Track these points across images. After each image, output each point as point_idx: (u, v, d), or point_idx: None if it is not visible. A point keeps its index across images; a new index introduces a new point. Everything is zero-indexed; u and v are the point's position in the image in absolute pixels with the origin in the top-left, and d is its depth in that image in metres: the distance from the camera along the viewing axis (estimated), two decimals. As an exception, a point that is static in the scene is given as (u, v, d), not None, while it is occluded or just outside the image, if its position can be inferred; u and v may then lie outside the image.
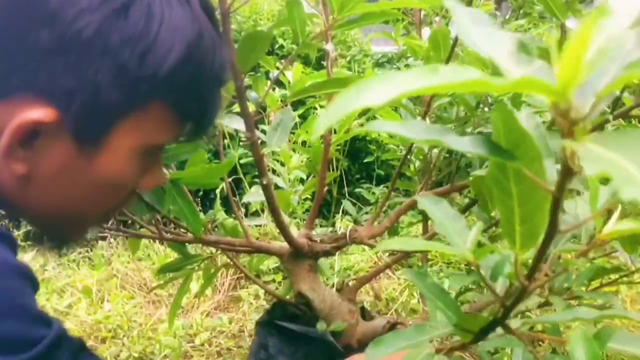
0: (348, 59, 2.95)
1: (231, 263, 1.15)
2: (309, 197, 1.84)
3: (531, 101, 0.86)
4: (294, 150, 1.49)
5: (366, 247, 1.97)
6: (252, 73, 0.94)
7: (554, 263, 0.53)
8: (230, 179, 1.17)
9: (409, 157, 1.14)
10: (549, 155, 0.36)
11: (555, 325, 0.69)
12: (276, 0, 3.15)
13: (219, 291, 1.91)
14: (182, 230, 1.02)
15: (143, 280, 2.01)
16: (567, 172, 0.30)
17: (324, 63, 1.02)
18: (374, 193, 2.24)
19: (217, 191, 1.75)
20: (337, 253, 1.19)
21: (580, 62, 0.25)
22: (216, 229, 1.12)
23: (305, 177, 1.53)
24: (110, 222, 0.98)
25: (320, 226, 2.15)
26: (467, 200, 1.11)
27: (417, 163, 1.26)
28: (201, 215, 0.94)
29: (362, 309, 1.18)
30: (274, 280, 1.94)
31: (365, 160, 2.64)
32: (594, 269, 0.73)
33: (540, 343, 1.37)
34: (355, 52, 3.01)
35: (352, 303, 1.11)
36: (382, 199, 1.16)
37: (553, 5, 0.85)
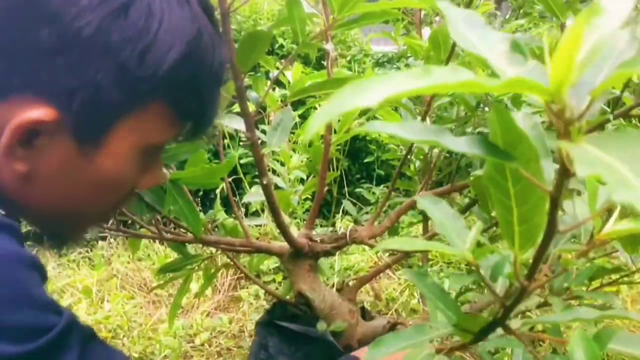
0: (348, 58, 2.95)
1: (231, 263, 1.15)
2: (309, 197, 1.84)
3: (531, 101, 0.86)
4: (294, 150, 1.49)
5: (366, 247, 1.97)
6: (252, 73, 0.94)
7: (553, 263, 0.52)
8: (230, 179, 1.17)
9: (409, 157, 1.14)
10: (546, 155, 0.35)
11: (555, 325, 0.69)
12: (276, 0, 3.15)
13: (219, 291, 1.91)
14: (182, 230, 1.02)
15: (143, 280, 2.01)
16: (565, 172, 0.30)
17: (324, 63, 1.02)
18: (374, 193, 2.24)
19: (217, 191, 1.75)
20: (337, 253, 1.19)
21: (573, 61, 0.25)
22: (216, 229, 1.12)
23: (305, 177, 1.53)
24: (110, 222, 0.98)
25: (321, 226, 2.15)
26: (467, 200, 1.11)
27: (418, 163, 1.26)
28: (201, 215, 0.94)
29: (363, 309, 1.18)
30: (274, 280, 1.94)
31: (365, 160, 2.64)
32: (594, 269, 0.73)
33: (541, 343, 1.37)
34: (355, 51, 3.01)
35: (352, 303, 1.10)
36: (382, 199, 1.16)
37: (553, 5, 0.84)
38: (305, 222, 1.25)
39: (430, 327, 0.52)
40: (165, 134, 0.56)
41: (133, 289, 1.97)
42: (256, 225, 1.51)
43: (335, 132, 1.13)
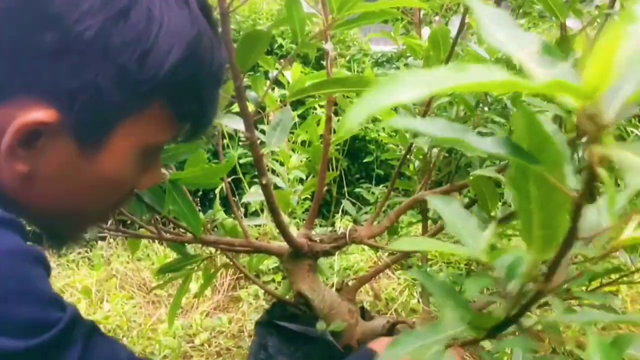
0: (347, 58, 2.94)
1: (231, 263, 1.15)
2: (309, 197, 1.84)
3: (530, 101, 0.86)
4: (293, 150, 1.49)
5: (366, 247, 1.97)
6: (251, 73, 0.94)
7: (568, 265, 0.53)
8: (229, 179, 1.17)
9: (408, 156, 1.14)
10: (568, 160, 0.35)
11: (555, 324, 0.69)
12: (275, 0, 3.15)
13: (219, 291, 1.91)
14: (181, 230, 1.02)
15: (142, 280, 2.01)
16: (592, 177, 0.29)
17: (323, 62, 1.02)
18: (373, 193, 2.24)
19: (217, 191, 1.75)
20: (336, 253, 1.19)
21: (610, 66, 0.25)
22: (215, 229, 1.12)
23: (304, 177, 1.53)
24: (109, 222, 0.98)
25: (320, 226, 2.15)
26: (466, 200, 1.11)
27: (417, 163, 1.25)
28: (201, 215, 0.94)
29: (362, 308, 1.18)
30: (273, 280, 1.93)
31: (364, 160, 2.64)
32: (594, 270, 0.73)
33: (541, 343, 1.37)
34: (355, 51, 3.01)
35: (351, 303, 1.11)
36: (381, 199, 1.16)
37: (553, 5, 0.84)
38: (304, 222, 1.25)
39: (443, 325, 0.52)
40: (165, 135, 0.57)
41: (132, 289, 1.97)
42: (255, 225, 1.51)
43: (334, 132, 1.13)
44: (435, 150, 1.14)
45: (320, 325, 1.04)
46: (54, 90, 0.48)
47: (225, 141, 1.96)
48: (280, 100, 1.12)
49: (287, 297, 1.16)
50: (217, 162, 1.13)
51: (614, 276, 0.91)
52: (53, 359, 0.47)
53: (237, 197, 1.79)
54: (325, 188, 1.16)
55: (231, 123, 0.90)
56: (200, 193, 2.33)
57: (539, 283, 0.40)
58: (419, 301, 1.73)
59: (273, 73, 0.92)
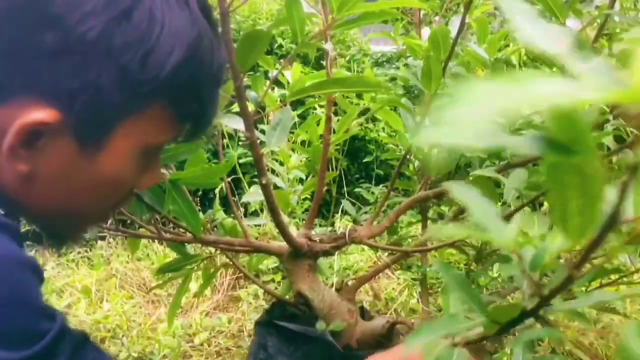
0: (347, 58, 2.94)
1: (230, 263, 1.15)
2: (308, 196, 1.84)
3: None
4: (293, 150, 1.49)
5: (365, 247, 1.97)
6: (251, 72, 0.94)
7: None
8: (229, 179, 1.17)
9: (408, 156, 1.14)
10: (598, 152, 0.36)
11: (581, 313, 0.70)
12: (275, 0, 3.15)
13: (218, 291, 1.91)
14: (181, 230, 1.02)
15: (142, 280, 2.01)
16: (635, 170, 0.30)
17: (323, 62, 1.02)
18: (373, 193, 2.23)
19: (217, 191, 1.75)
20: (336, 253, 1.19)
21: None
22: (215, 229, 1.12)
23: (304, 177, 1.53)
24: (109, 222, 0.98)
25: (320, 226, 2.15)
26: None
27: (417, 163, 1.25)
28: (200, 215, 0.94)
29: (362, 308, 1.18)
30: (273, 280, 1.94)
31: (364, 160, 2.64)
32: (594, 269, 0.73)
33: (540, 342, 1.37)
34: (355, 51, 3.01)
35: (351, 303, 1.11)
36: (381, 199, 1.16)
37: (553, 5, 0.84)
38: (304, 221, 1.25)
39: (464, 316, 0.52)
40: (165, 135, 0.57)
41: (132, 288, 1.97)
42: (255, 225, 1.51)
43: (334, 132, 1.13)
44: (434, 150, 1.14)
45: (320, 325, 1.04)
46: (55, 90, 0.48)
47: (225, 141, 1.96)
48: (280, 100, 1.12)
49: (287, 296, 1.16)
50: (217, 162, 1.13)
51: (613, 276, 0.91)
52: None
53: (236, 196, 1.79)
54: (325, 188, 1.16)
55: (231, 123, 0.90)
56: (200, 193, 2.33)
57: (570, 269, 0.41)
58: (418, 301, 1.73)
59: (273, 73, 0.92)
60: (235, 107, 0.82)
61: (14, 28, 0.48)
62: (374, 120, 2.50)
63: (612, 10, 0.87)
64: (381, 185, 2.38)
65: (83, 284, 1.94)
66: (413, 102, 1.14)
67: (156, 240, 2.04)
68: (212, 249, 1.13)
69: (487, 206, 0.48)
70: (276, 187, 1.30)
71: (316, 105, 1.84)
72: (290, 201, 1.27)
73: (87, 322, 1.70)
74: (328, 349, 1.02)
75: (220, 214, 1.13)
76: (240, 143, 2.10)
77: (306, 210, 2.03)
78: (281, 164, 1.42)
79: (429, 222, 1.33)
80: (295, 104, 1.43)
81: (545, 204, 1.03)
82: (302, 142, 1.54)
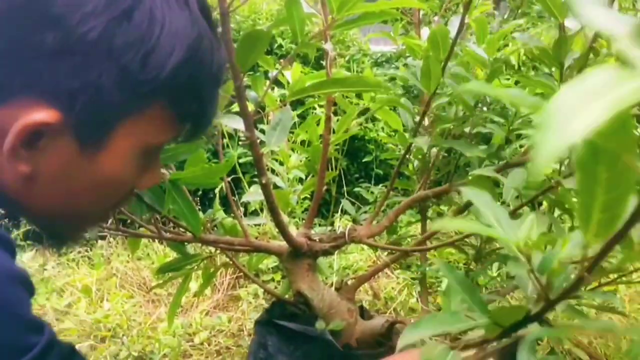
0: (347, 58, 2.95)
1: (230, 262, 1.15)
2: (308, 196, 1.84)
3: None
4: (292, 150, 1.49)
5: (365, 247, 1.98)
6: (251, 72, 0.95)
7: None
8: (229, 179, 1.17)
9: (407, 156, 1.14)
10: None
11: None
12: (275, 0, 3.15)
13: (218, 290, 1.92)
14: (181, 229, 1.02)
15: (142, 279, 2.01)
16: None
17: (323, 62, 1.02)
18: (372, 192, 2.24)
19: (216, 190, 1.75)
20: (336, 252, 1.19)
21: None
22: (215, 229, 1.12)
23: (304, 177, 1.53)
24: (109, 222, 0.98)
25: (319, 225, 2.15)
26: (466, 200, 1.11)
27: (416, 162, 1.26)
28: (200, 214, 0.94)
29: (361, 308, 1.18)
30: (273, 280, 1.94)
31: (364, 160, 2.64)
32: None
33: (539, 342, 1.37)
34: (354, 51, 3.01)
35: (351, 302, 1.11)
36: (381, 199, 1.17)
37: (552, 5, 0.85)
38: (304, 221, 1.25)
39: (465, 316, 0.52)
40: (165, 135, 0.57)
41: (132, 288, 1.97)
42: (255, 225, 1.51)
43: (334, 131, 1.13)
44: (434, 150, 1.14)
45: (320, 325, 1.04)
46: (56, 90, 0.48)
47: (225, 141, 1.96)
48: (280, 100, 1.12)
49: (287, 296, 1.16)
50: (217, 162, 1.14)
51: (612, 276, 0.91)
52: None
53: (236, 196, 1.79)
54: (325, 187, 1.16)
55: (231, 122, 0.91)
56: (200, 192, 2.34)
57: (581, 271, 0.41)
58: (417, 300, 1.73)
59: (273, 73, 0.93)
60: (235, 107, 0.82)
61: (14, 28, 0.48)
62: (374, 120, 2.51)
63: (610, 11, 0.87)
64: (381, 185, 2.38)
65: (83, 283, 1.95)
66: (412, 102, 1.14)
67: (156, 240, 2.04)
68: (212, 249, 1.13)
69: (499, 207, 0.49)
70: (276, 186, 1.31)
71: (316, 105, 1.84)
72: (290, 201, 1.27)
73: (87, 321, 1.70)
74: (328, 348, 1.02)
75: (220, 214, 1.13)
76: (240, 143, 2.10)
77: (306, 209, 2.04)
78: (281, 163, 1.42)
79: (428, 222, 1.34)
80: (295, 104, 1.43)
81: (545, 203, 1.03)
82: (302, 142, 1.55)
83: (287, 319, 1.09)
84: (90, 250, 2.24)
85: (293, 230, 1.05)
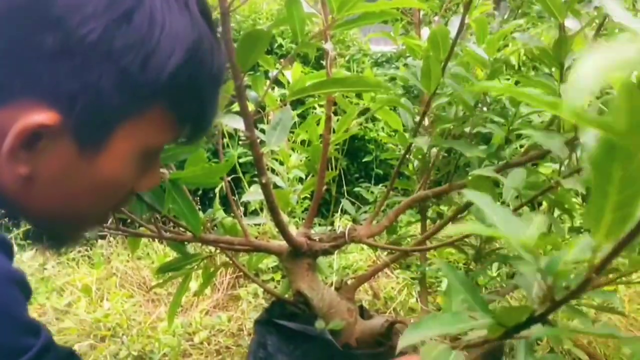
0: (347, 58, 2.95)
1: (230, 262, 1.15)
2: (308, 196, 1.84)
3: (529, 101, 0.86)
4: (293, 150, 1.49)
5: (365, 246, 1.98)
6: (251, 72, 0.95)
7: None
8: (229, 178, 1.17)
9: (407, 156, 1.14)
10: None
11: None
12: (275, 0, 3.15)
13: (218, 290, 1.92)
14: (181, 229, 1.02)
15: (142, 279, 2.02)
16: None
17: (323, 62, 1.02)
18: (372, 192, 2.24)
19: (217, 190, 1.75)
20: (335, 252, 1.20)
21: None
22: (215, 228, 1.12)
23: (304, 176, 1.53)
24: (109, 221, 0.98)
25: (319, 225, 2.15)
26: (465, 200, 1.11)
27: (416, 162, 1.26)
28: (200, 214, 0.94)
29: (361, 307, 1.18)
30: (272, 279, 1.94)
31: (364, 160, 2.64)
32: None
33: (538, 342, 1.38)
34: (354, 51, 3.02)
35: (350, 302, 1.11)
36: (380, 198, 1.17)
37: (552, 5, 0.85)
38: (304, 221, 1.26)
39: (468, 316, 0.52)
40: (165, 137, 0.57)
41: (132, 287, 1.97)
42: (255, 224, 1.51)
43: (334, 131, 1.13)
44: (434, 150, 1.14)
45: (319, 324, 1.04)
46: (55, 92, 0.48)
47: (225, 140, 1.96)
48: (280, 100, 1.12)
49: (287, 295, 1.16)
50: (217, 161, 1.14)
51: (611, 276, 0.91)
52: None
53: (236, 196, 1.79)
54: (325, 187, 1.16)
55: (231, 122, 0.91)
56: (200, 192, 2.34)
57: (589, 272, 0.40)
58: (417, 300, 1.74)
59: (273, 72, 0.93)
60: (236, 107, 0.82)
61: (14, 29, 0.48)
62: (374, 120, 2.51)
63: (610, 11, 0.87)
64: (380, 185, 2.38)
65: (83, 282, 1.95)
66: (412, 102, 1.14)
67: (156, 239, 2.04)
68: (212, 248, 1.14)
69: (502, 208, 0.49)
70: (276, 186, 1.31)
71: (316, 105, 1.84)
72: (290, 200, 1.27)
73: (87, 320, 1.70)
74: (327, 348, 1.03)
75: (220, 213, 1.13)
76: (240, 142, 2.11)
77: (306, 209, 2.04)
78: (281, 163, 1.42)
79: (427, 222, 1.34)
80: (295, 104, 1.44)
81: (544, 204, 1.04)
82: (302, 142, 1.55)
83: (286, 318, 1.09)
84: (90, 249, 2.24)
85: (293, 230, 1.06)
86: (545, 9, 0.86)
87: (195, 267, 1.10)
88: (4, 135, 0.48)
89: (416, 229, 1.81)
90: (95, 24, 0.47)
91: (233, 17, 0.72)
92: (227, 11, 0.71)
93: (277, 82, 1.07)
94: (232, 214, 1.12)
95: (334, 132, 1.13)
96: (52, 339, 0.51)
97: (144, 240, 1.97)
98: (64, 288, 1.95)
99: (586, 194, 0.90)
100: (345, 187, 2.38)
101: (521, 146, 1.12)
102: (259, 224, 1.53)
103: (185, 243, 1.06)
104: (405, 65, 1.32)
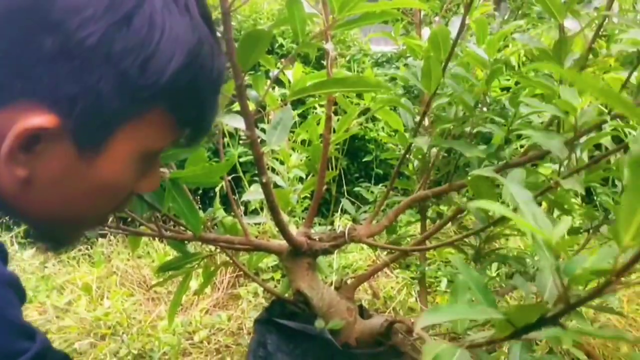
0: (347, 58, 2.95)
1: (230, 261, 1.15)
2: (308, 195, 1.84)
3: (529, 101, 0.86)
4: (293, 149, 1.49)
5: (365, 246, 1.98)
6: (252, 72, 0.95)
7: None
8: (229, 177, 1.17)
9: (407, 156, 1.15)
10: None
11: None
12: (276, 0, 3.15)
13: (218, 289, 1.92)
14: (181, 228, 1.02)
15: (142, 277, 2.02)
16: None
17: (324, 62, 1.02)
18: (372, 192, 2.24)
19: (217, 189, 1.76)
20: (335, 251, 1.20)
21: None
22: (215, 227, 1.12)
23: (304, 176, 1.53)
24: (110, 220, 0.98)
25: (319, 224, 2.16)
26: (465, 200, 1.12)
27: (416, 162, 1.26)
28: (201, 213, 0.95)
29: (360, 307, 1.19)
30: (272, 278, 1.94)
31: (364, 159, 2.64)
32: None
33: (537, 342, 1.38)
34: (355, 51, 3.02)
35: (350, 301, 1.11)
36: (380, 198, 1.17)
37: (551, 6, 0.85)
38: (304, 220, 1.26)
39: (482, 309, 0.52)
40: (164, 140, 0.57)
41: (132, 286, 1.98)
42: (255, 224, 1.51)
43: (334, 131, 1.14)
44: (434, 150, 1.14)
45: (319, 323, 1.04)
46: (54, 94, 0.48)
47: (226, 139, 1.96)
48: (281, 100, 1.13)
49: (286, 295, 1.16)
50: (218, 161, 1.14)
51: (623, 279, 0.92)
52: None
53: (237, 195, 1.80)
54: (325, 187, 1.16)
55: (232, 122, 0.91)
56: (201, 191, 2.34)
57: (610, 276, 0.40)
58: (417, 300, 1.74)
59: (274, 72, 0.93)
60: (236, 106, 0.82)
61: (14, 31, 0.47)
62: (374, 119, 2.51)
63: (610, 12, 0.88)
64: (380, 185, 2.38)
65: (84, 281, 1.95)
66: (413, 102, 1.15)
67: (157, 238, 2.05)
68: (212, 247, 1.14)
69: (536, 205, 0.48)
70: (276, 185, 1.31)
71: (316, 105, 1.85)
72: (290, 200, 1.27)
73: (87, 319, 1.71)
74: (327, 347, 1.03)
75: (220, 213, 1.13)
76: (240, 142, 2.11)
77: (306, 209, 2.04)
78: (281, 162, 1.43)
79: (427, 221, 1.34)
80: (296, 103, 1.44)
81: (544, 204, 1.04)
82: (303, 141, 1.55)
83: (286, 317, 1.09)
84: (91, 248, 2.24)
85: (293, 230, 1.06)
86: (545, 10, 0.86)
87: (196, 266, 1.10)
88: (3, 138, 0.48)
89: (416, 228, 1.82)
90: (95, 27, 0.47)
91: (234, 16, 0.72)
92: (228, 11, 0.71)
93: (277, 82, 1.07)
94: (232, 213, 1.13)
95: (334, 131, 1.13)
96: (49, 343, 0.51)
97: (144, 239, 1.97)
98: (65, 286, 1.95)
99: (585, 195, 0.90)
100: (345, 187, 2.38)
101: (521, 146, 1.12)
102: (259, 223, 1.54)
103: (186, 242, 1.06)
104: (406, 65, 1.33)
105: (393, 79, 2.51)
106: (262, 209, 1.84)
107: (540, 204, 1.08)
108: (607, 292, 0.42)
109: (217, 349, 1.61)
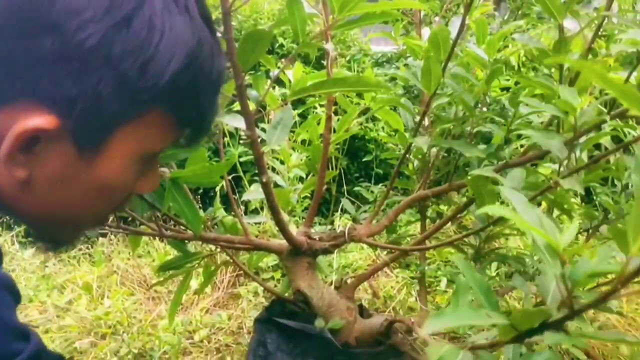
0: (348, 58, 2.95)
1: (230, 260, 1.16)
2: (308, 195, 1.85)
3: (529, 102, 0.87)
4: (293, 149, 1.49)
5: (364, 245, 1.98)
6: (252, 72, 0.95)
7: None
8: (230, 177, 1.18)
9: (407, 156, 1.15)
10: None
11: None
12: (276, 0, 3.15)
13: (218, 288, 1.92)
14: (182, 227, 1.03)
15: (143, 277, 2.02)
16: None
17: (324, 62, 1.02)
18: (372, 192, 2.24)
19: (217, 189, 1.76)
20: (335, 251, 1.20)
21: None
22: (216, 227, 1.13)
23: (304, 176, 1.54)
24: (110, 220, 0.98)
25: (319, 224, 2.16)
26: (464, 200, 1.12)
27: (416, 162, 1.26)
28: (201, 212, 0.95)
29: (360, 306, 1.19)
30: (272, 278, 1.95)
31: (364, 159, 2.65)
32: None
33: (537, 342, 1.38)
34: (355, 51, 3.02)
35: (350, 301, 1.11)
36: (380, 198, 1.17)
37: (551, 6, 0.85)
38: (304, 220, 1.26)
39: (486, 313, 0.52)
40: (164, 141, 0.57)
41: (133, 285, 1.98)
42: (255, 223, 1.52)
43: (334, 131, 1.14)
44: (434, 150, 1.15)
45: (319, 323, 1.05)
46: (54, 96, 0.48)
47: (226, 139, 1.96)
48: (281, 99, 1.13)
49: (286, 294, 1.17)
50: (218, 160, 1.14)
51: (610, 276, 0.92)
52: None
53: (237, 195, 1.80)
54: (325, 187, 1.16)
55: (232, 121, 0.91)
56: (201, 190, 2.34)
57: (615, 283, 0.40)
58: (416, 299, 1.74)
59: (274, 72, 0.93)
60: (237, 106, 0.83)
61: (14, 32, 0.47)
62: (374, 119, 2.51)
63: (610, 12, 0.88)
64: (380, 184, 2.38)
65: (84, 280, 1.95)
66: (413, 102, 1.15)
67: (157, 238, 2.05)
68: (213, 247, 1.14)
69: (537, 209, 0.48)
70: (276, 185, 1.31)
71: (317, 105, 1.85)
72: (290, 199, 1.28)
73: (88, 318, 1.71)
74: (327, 347, 1.03)
75: (220, 212, 1.14)
76: (241, 141, 2.11)
77: (306, 208, 2.04)
78: (282, 162, 1.43)
79: (427, 221, 1.34)
80: (296, 103, 1.44)
81: (543, 204, 1.04)
82: (303, 141, 1.55)
83: (286, 317, 1.09)
84: (91, 247, 2.24)
85: (293, 229, 1.06)
86: (544, 10, 0.86)
87: (196, 265, 1.11)
88: (2, 138, 0.48)
89: (416, 228, 1.82)
90: (94, 29, 0.47)
91: (234, 16, 0.72)
92: (228, 11, 0.72)
93: (278, 82, 1.07)
94: (232, 213, 1.13)
95: (334, 131, 1.13)
96: (43, 344, 0.51)
97: (144, 238, 1.97)
98: (65, 285, 1.95)
99: (585, 194, 0.91)
100: (345, 187, 2.39)
101: (521, 146, 1.13)
102: (260, 223, 1.54)
103: (186, 241, 1.06)
104: (406, 65, 1.33)
105: (393, 79, 2.51)
106: (262, 208, 1.84)
107: (540, 204, 1.08)
108: (612, 299, 0.42)
109: (218, 348, 1.61)
